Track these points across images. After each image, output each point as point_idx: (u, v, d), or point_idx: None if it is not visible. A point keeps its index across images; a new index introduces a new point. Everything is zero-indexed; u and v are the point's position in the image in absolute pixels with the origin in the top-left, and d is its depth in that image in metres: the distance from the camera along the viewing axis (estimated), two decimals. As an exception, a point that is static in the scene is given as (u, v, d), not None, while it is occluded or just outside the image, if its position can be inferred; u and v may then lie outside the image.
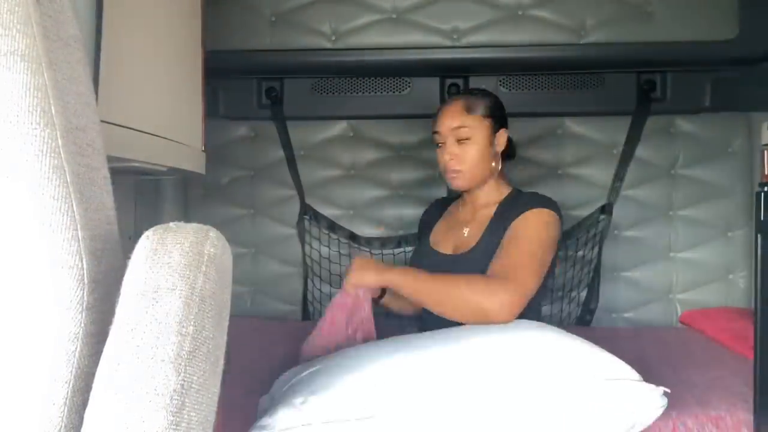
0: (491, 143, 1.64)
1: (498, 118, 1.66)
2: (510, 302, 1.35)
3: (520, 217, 1.54)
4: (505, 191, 1.68)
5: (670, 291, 2.25)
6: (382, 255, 2.27)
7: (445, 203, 1.86)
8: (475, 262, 1.53)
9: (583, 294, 2.20)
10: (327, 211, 2.29)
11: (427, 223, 1.82)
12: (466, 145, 1.60)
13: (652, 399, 1.20)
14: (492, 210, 1.64)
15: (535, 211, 1.55)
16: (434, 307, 1.43)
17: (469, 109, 1.62)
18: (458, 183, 1.64)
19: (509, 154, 1.72)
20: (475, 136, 1.60)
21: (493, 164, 1.65)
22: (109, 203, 0.64)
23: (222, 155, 2.28)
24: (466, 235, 1.65)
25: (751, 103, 2.07)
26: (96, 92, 0.78)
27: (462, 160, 1.61)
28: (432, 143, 1.69)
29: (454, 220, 1.74)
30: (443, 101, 1.72)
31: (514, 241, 1.50)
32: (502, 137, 1.66)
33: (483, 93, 1.69)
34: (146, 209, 2.07)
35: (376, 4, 2.07)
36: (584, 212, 2.23)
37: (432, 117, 1.69)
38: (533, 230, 1.51)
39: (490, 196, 1.68)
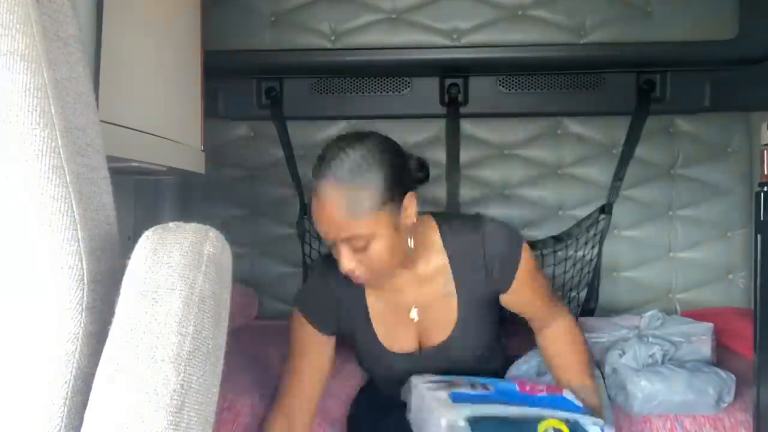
0: (398, 225, 1.20)
1: (397, 187, 1.18)
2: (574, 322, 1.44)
3: (517, 276, 1.31)
4: (434, 237, 1.32)
5: (669, 291, 2.25)
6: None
7: (339, 285, 1.32)
8: (466, 341, 1.36)
9: (583, 294, 2.20)
10: (327, 211, 2.29)
11: (329, 313, 1.36)
12: (365, 251, 1.17)
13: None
14: (440, 265, 1.32)
15: (521, 258, 1.31)
16: None
17: (355, 210, 1.13)
18: (371, 284, 1.30)
19: (420, 179, 1.29)
20: (374, 236, 1.16)
21: (409, 240, 1.25)
22: (109, 203, 0.64)
23: (221, 155, 2.28)
24: (417, 315, 1.35)
25: (751, 103, 2.07)
26: (96, 92, 0.78)
27: (366, 265, 1.20)
28: None
29: (386, 302, 1.36)
30: (311, 185, 1.19)
31: (532, 293, 1.35)
32: (410, 206, 1.21)
33: (361, 166, 1.15)
34: (146, 209, 2.07)
35: (376, 4, 2.07)
36: (584, 212, 2.23)
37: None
38: (533, 271, 1.34)
39: (421, 261, 1.32)
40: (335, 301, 1.35)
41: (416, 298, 1.34)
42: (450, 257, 1.31)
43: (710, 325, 1.70)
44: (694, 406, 1.46)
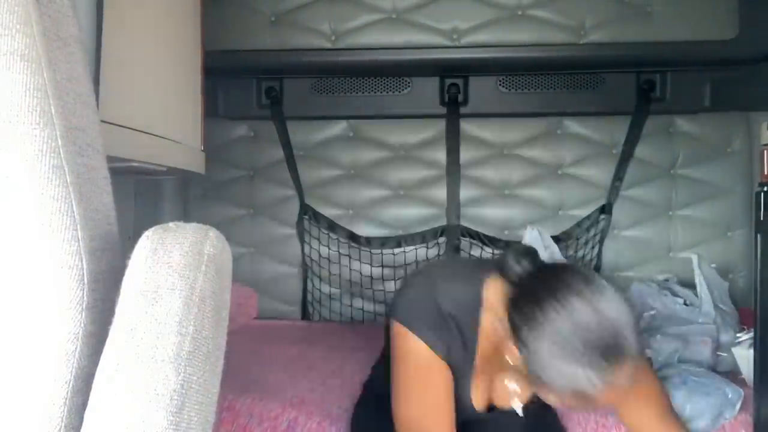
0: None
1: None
2: None
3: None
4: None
5: (669, 291, 2.25)
6: (382, 254, 2.27)
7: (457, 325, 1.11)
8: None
9: (583, 294, 2.20)
10: (327, 211, 2.29)
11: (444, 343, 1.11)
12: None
13: None
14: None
15: None
16: None
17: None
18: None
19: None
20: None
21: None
22: (109, 203, 0.64)
23: (221, 155, 2.28)
24: (519, 411, 1.11)
25: (751, 103, 2.07)
26: (96, 92, 0.78)
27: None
28: None
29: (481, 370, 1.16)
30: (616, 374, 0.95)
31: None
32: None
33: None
34: (146, 209, 2.07)
35: (376, 4, 2.07)
36: (584, 212, 2.23)
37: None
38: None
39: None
40: (450, 323, 1.11)
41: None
42: None
43: (711, 327, 1.69)
44: (690, 422, 1.43)
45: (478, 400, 1.15)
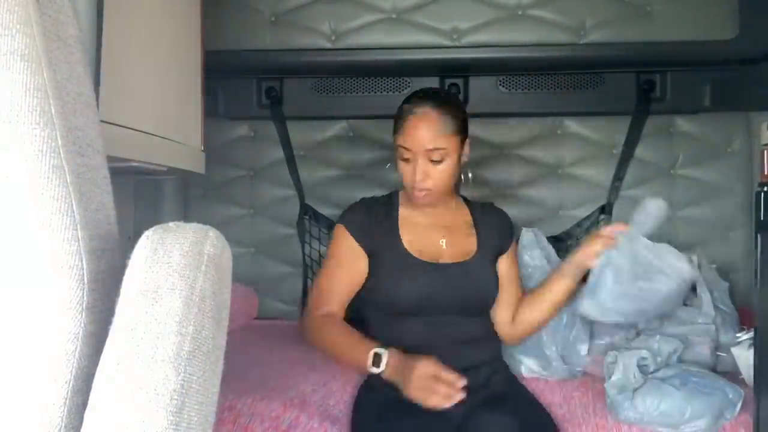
0: (460, 157, 1.56)
1: (465, 128, 1.57)
2: None
3: (512, 247, 1.68)
4: (461, 201, 1.71)
5: (669, 291, 2.24)
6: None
7: (376, 207, 1.65)
8: (482, 268, 1.60)
9: (583, 294, 2.20)
10: (327, 211, 2.29)
11: (363, 228, 1.60)
12: (438, 165, 1.51)
13: None
14: (466, 217, 1.67)
15: (514, 236, 1.72)
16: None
17: (443, 128, 1.50)
18: (426, 200, 1.56)
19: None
20: (448, 155, 1.51)
21: (460, 176, 1.63)
22: (109, 203, 0.64)
23: (222, 155, 2.28)
24: (444, 244, 1.59)
25: (751, 103, 2.07)
26: (96, 92, 0.78)
27: (434, 179, 1.51)
28: (393, 151, 1.56)
29: (417, 225, 1.61)
30: (408, 108, 1.52)
31: (515, 270, 1.69)
32: (467, 147, 1.58)
33: (451, 102, 1.57)
34: (146, 209, 2.07)
35: (376, 4, 2.07)
36: (584, 212, 2.23)
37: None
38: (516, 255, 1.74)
39: (453, 203, 1.67)
40: (373, 222, 1.59)
41: (443, 232, 1.61)
42: (472, 214, 1.67)
43: (711, 327, 1.69)
44: (689, 425, 1.43)
45: (412, 250, 1.55)
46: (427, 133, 1.48)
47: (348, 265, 1.57)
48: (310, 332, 1.56)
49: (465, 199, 1.71)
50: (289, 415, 1.43)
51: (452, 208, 1.66)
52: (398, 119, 1.53)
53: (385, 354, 1.40)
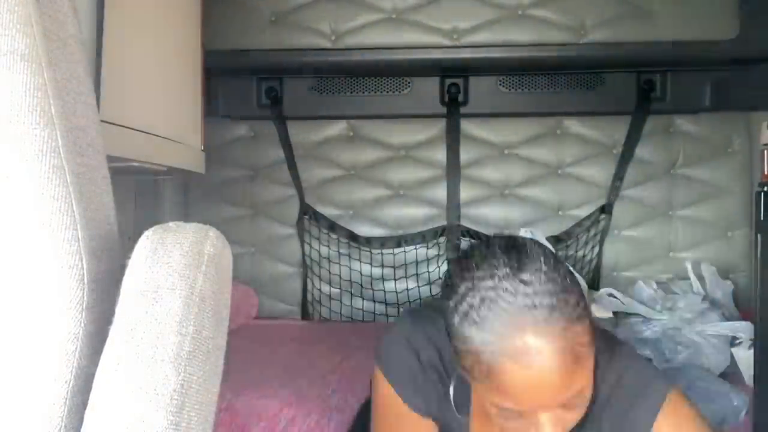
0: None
1: (588, 313, 0.82)
2: None
3: None
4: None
5: (669, 291, 2.25)
6: (382, 254, 2.27)
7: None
8: None
9: (583, 294, 2.20)
10: (327, 211, 2.29)
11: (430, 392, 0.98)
12: (572, 411, 0.82)
13: None
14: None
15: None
16: None
17: (578, 361, 0.77)
18: None
19: None
20: (586, 388, 0.82)
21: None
22: (109, 203, 0.64)
23: (222, 155, 2.28)
24: None
25: (751, 103, 2.07)
26: (96, 92, 0.78)
27: (569, 424, 0.83)
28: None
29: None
30: (506, 354, 0.76)
31: None
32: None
33: (568, 292, 0.78)
34: (146, 209, 2.07)
35: (376, 4, 2.07)
36: (584, 212, 2.23)
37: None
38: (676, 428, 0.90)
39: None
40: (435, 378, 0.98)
41: None
42: (594, 402, 0.89)
43: (726, 336, 1.68)
44: None
45: None
46: (552, 391, 0.78)
47: None
48: None
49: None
50: (286, 413, 1.44)
51: None
52: (478, 363, 0.79)
53: None
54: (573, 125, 2.27)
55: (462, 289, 0.81)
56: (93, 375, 0.55)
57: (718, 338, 1.68)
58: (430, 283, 2.24)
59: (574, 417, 0.83)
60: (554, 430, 0.81)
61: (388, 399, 1.00)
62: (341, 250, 2.27)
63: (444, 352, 0.95)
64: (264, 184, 2.34)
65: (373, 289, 2.26)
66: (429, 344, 0.97)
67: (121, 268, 0.57)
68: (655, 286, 1.91)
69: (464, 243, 2.23)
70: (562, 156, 2.27)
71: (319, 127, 2.32)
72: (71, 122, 0.59)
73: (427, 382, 0.97)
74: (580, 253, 2.20)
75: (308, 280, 2.29)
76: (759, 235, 1.28)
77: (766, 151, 1.36)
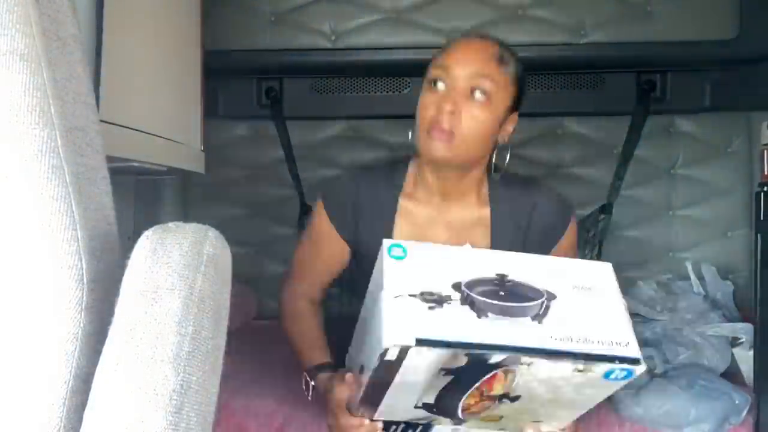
0: (501, 122, 1.22)
1: (520, 95, 1.24)
2: None
3: (555, 248, 1.26)
4: (483, 189, 1.30)
5: (670, 291, 2.24)
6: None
7: (370, 185, 1.31)
8: None
9: (583, 294, 2.20)
10: (327, 211, 2.29)
11: (347, 213, 1.30)
12: (476, 107, 1.15)
13: None
14: (478, 227, 1.28)
15: (564, 233, 1.28)
16: None
17: (501, 61, 1.17)
18: (441, 151, 1.16)
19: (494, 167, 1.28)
20: (494, 99, 1.16)
21: (489, 151, 1.26)
22: (109, 203, 0.64)
23: (222, 155, 2.28)
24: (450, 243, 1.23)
25: (751, 103, 2.07)
26: (96, 92, 0.78)
27: (465, 121, 1.15)
28: (427, 83, 1.21)
29: (416, 216, 1.29)
30: (460, 37, 1.23)
31: None
32: (512, 122, 1.27)
33: (515, 54, 1.24)
34: (146, 209, 2.07)
35: (376, 4, 2.07)
36: (584, 212, 2.23)
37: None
38: (569, 250, 1.28)
39: (475, 195, 1.29)
40: (362, 206, 1.29)
41: (449, 233, 1.27)
42: (492, 210, 1.29)
43: (726, 336, 1.68)
44: (692, 427, 1.43)
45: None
46: (483, 55, 1.16)
47: (324, 251, 1.34)
48: (281, 318, 1.38)
49: (491, 178, 1.31)
50: (283, 411, 1.43)
51: (470, 202, 1.28)
52: (441, 50, 1.21)
53: (311, 382, 1.25)
54: (573, 125, 2.27)
55: None
56: (92, 375, 0.55)
57: (719, 339, 1.68)
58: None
59: (472, 115, 1.14)
60: (458, 101, 1.13)
61: (317, 213, 1.33)
62: (341, 250, 2.26)
63: (378, 182, 1.30)
64: (264, 184, 2.33)
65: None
66: (366, 176, 1.33)
67: (121, 269, 0.57)
68: (655, 286, 1.92)
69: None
70: (562, 156, 2.27)
71: (319, 127, 2.32)
72: (71, 122, 0.59)
73: (357, 201, 1.28)
74: (580, 253, 2.20)
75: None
76: (759, 235, 1.28)
77: (766, 151, 1.36)
